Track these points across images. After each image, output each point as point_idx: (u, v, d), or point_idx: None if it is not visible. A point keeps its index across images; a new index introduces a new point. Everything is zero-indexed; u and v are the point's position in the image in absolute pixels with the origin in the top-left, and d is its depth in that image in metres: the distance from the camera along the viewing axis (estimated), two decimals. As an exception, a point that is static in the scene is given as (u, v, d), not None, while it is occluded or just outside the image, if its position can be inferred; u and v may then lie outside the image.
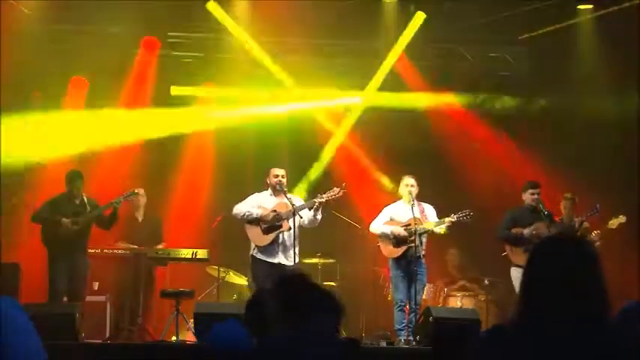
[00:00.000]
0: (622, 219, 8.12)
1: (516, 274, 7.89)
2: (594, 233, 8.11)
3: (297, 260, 7.60)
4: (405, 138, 10.18)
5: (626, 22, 9.03)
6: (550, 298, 2.09)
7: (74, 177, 7.98)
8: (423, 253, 7.80)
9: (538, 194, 7.95)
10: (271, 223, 7.58)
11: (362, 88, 10.37)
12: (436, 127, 10.46)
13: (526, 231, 7.85)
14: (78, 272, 7.77)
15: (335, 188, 7.53)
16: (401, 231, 7.74)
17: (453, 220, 7.67)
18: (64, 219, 7.74)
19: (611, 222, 8.12)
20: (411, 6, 9.88)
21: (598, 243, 7.96)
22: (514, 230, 7.96)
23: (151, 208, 8.90)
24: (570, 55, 9.95)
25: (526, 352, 2.07)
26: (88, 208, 7.96)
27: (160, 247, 8.57)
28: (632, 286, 8.20)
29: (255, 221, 7.60)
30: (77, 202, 7.96)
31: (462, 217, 7.66)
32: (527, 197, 7.98)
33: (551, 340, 2.05)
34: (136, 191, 8.27)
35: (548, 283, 2.11)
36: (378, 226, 7.96)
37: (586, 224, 8.17)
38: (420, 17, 9.83)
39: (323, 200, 7.45)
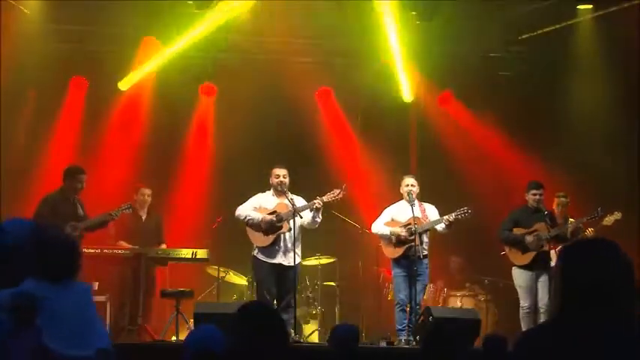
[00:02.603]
0: (617, 215, 8.07)
1: (516, 274, 7.92)
2: (589, 231, 8.11)
3: (297, 261, 7.60)
4: (405, 137, 10.20)
5: (626, 22, 9.03)
6: (584, 299, 2.16)
7: (77, 172, 7.76)
8: (425, 252, 7.81)
9: (540, 195, 7.95)
10: (271, 224, 7.57)
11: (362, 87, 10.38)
12: (435, 126, 10.48)
13: (527, 238, 7.84)
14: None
15: (335, 190, 7.53)
16: (400, 231, 7.74)
17: (450, 218, 7.67)
18: (67, 227, 7.42)
19: (606, 219, 8.07)
20: (411, 6, 9.87)
21: None
22: (515, 230, 7.96)
23: (153, 208, 8.90)
24: (570, 54, 9.96)
25: (563, 354, 2.13)
26: (80, 209, 7.78)
27: (160, 247, 8.56)
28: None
29: (257, 224, 7.59)
30: (70, 200, 7.73)
31: (461, 214, 7.67)
32: (530, 198, 7.99)
33: (586, 340, 2.12)
34: (130, 205, 8.12)
35: (582, 286, 2.18)
36: (379, 227, 7.96)
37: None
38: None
39: (323, 202, 7.45)
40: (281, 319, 2.98)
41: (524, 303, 7.81)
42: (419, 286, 7.67)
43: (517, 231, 7.96)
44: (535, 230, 7.85)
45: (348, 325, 5.46)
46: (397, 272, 7.82)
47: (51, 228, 3.11)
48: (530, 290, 7.79)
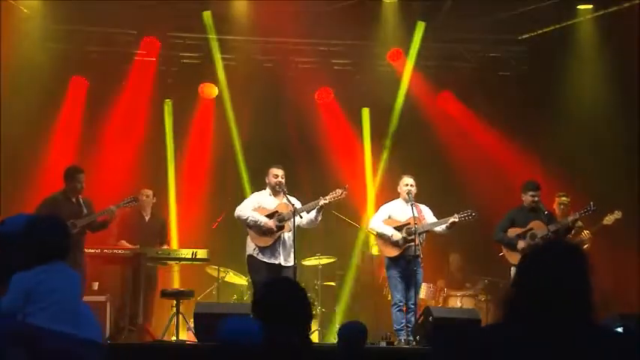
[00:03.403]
0: (618, 214, 8.04)
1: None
2: (585, 233, 8.09)
3: (295, 261, 7.58)
4: (405, 137, 10.21)
5: (626, 22, 9.04)
6: (538, 299, 2.17)
7: (76, 172, 7.72)
8: (418, 252, 7.77)
9: (538, 196, 7.90)
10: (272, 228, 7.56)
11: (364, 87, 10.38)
12: (435, 126, 10.48)
13: (520, 243, 7.79)
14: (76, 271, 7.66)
15: (338, 190, 7.50)
16: (400, 238, 7.72)
17: (455, 220, 7.64)
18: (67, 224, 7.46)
19: (606, 218, 8.05)
20: (413, 6, 9.89)
21: (587, 245, 7.97)
22: (511, 230, 7.94)
23: (157, 209, 8.89)
24: (570, 55, 9.96)
25: (513, 352, 2.13)
26: (84, 208, 7.75)
27: (163, 248, 8.56)
28: (629, 282, 8.22)
29: (258, 226, 7.55)
30: (73, 200, 7.71)
31: (464, 217, 7.63)
32: (527, 198, 7.91)
33: (539, 340, 2.12)
34: (134, 198, 8.11)
35: (536, 286, 2.19)
36: (378, 224, 7.94)
37: (580, 223, 8.10)
38: (420, 27, 9.92)
39: (327, 202, 7.44)
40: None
41: (523, 303, 7.77)
42: (416, 286, 7.66)
43: (513, 230, 7.92)
44: (530, 229, 7.83)
45: (356, 322, 5.45)
46: (393, 273, 7.79)
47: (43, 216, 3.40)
48: (530, 290, 7.76)
